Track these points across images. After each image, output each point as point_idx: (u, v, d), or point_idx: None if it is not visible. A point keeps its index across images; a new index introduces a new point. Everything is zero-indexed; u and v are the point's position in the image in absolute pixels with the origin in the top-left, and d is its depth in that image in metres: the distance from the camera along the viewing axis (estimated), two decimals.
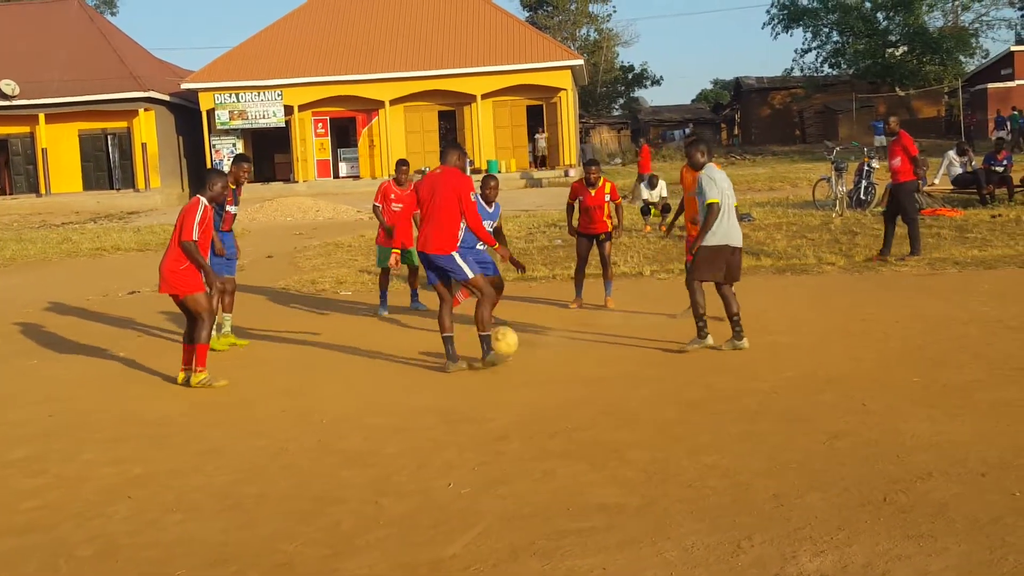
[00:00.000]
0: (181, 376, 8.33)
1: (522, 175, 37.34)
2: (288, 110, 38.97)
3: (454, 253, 8.26)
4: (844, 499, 4.91)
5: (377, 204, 11.53)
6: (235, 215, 10.13)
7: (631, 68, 67.01)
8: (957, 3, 51.48)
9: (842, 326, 9.47)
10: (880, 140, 38.85)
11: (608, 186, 11.24)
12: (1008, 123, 37.28)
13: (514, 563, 4.40)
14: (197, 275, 8.24)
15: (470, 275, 8.31)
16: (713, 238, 8.61)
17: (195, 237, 8.13)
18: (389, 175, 12.55)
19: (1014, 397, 6.66)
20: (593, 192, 11.17)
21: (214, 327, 8.98)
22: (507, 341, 8.35)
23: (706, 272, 8.65)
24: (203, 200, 8.31)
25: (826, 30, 51.12)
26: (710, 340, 8.57)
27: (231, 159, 10.47)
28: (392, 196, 11.47)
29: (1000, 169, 18.80)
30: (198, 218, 8.17)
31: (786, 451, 5.72)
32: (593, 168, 11.30)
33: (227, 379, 8.29)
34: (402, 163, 11.76)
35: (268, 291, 13.73)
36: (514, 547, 4.55)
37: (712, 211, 8.58)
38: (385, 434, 6.54)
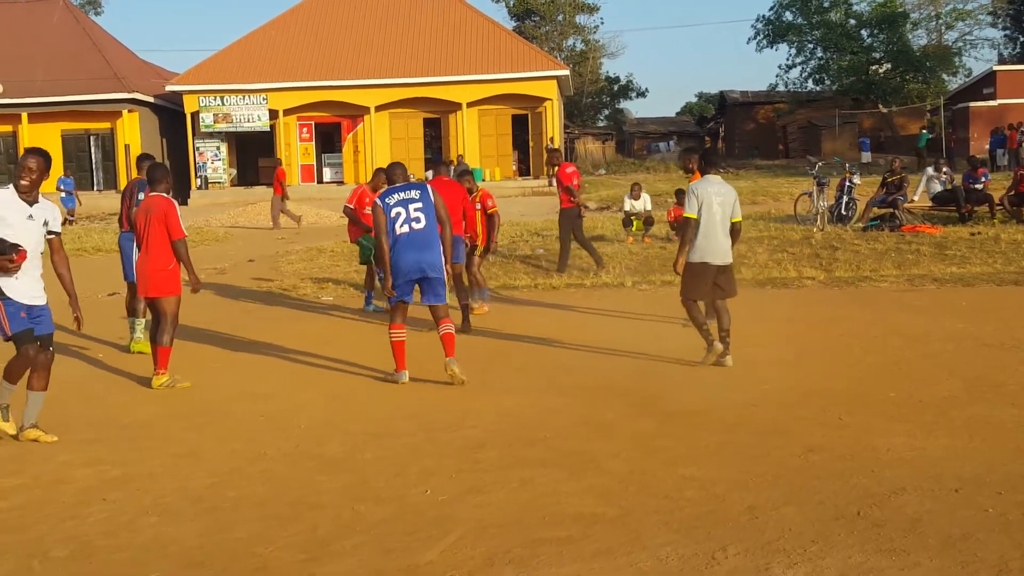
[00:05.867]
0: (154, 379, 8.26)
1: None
2: (273, 114, 38.88)
3: None
4: (818, 512, 4.95)
5: (350, 205, 11.61)
6: None
7: (617, 79, 67.04)
8: (941, 22, 51.91)
9: (820, 340, 9.53)
10: (867, 156, 39.05)
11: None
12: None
13: (489, 571, 4.41)
14: (178, 277, 8.23)
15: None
16: (693, 255, 8.49)
17: (186, 234, 8.24)
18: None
19: (989, 414, 6.72)
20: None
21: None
22: None
23: (691, 290, 8.52)
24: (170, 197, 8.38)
25: (810, 46, 51.32)
26: (718, 346, 8.34)
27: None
28: (368, 202, 11.37)
29: (979, 187, 18.93)
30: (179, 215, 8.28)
31: (762, 464, 5.76)
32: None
33: (204, 383, 8.26)
34: (381, 171, 11.70)
35: (249, 295, 13.70)
36: (489, 555, 4.57)
37: (686, 226, 8.52)
38: (363, 440, 6.54)
